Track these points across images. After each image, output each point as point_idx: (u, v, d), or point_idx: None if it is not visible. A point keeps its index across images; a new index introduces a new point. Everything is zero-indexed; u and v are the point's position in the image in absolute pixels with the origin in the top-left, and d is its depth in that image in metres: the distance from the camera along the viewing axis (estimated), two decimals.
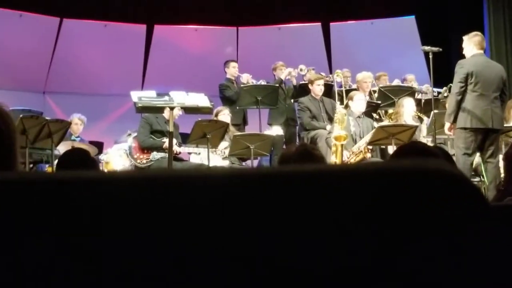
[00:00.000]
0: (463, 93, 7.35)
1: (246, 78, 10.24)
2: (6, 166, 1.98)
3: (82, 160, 3.14)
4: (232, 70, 10.36)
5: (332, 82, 9.67)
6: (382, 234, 0.71)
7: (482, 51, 7.52)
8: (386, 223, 0.70)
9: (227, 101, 9.77)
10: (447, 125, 7.51)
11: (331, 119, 9.02)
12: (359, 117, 8.74)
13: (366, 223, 0.71)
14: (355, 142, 8.54)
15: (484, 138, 7.36)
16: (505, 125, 8.05)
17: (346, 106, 8.82)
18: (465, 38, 7.59)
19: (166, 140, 7.89)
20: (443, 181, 0.69)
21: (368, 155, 8.36)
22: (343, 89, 9.44)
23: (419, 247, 0.71)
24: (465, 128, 7.31)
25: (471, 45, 7.49)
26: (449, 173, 0.69)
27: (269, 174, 0.74)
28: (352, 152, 8.38)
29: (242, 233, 0.73)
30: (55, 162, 7.66)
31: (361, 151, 8.35)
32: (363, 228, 0.71)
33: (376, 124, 8.70)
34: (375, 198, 0.70)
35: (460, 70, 7.40)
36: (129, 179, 0.74)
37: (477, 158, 7.80)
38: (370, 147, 8.46)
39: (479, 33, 7.60)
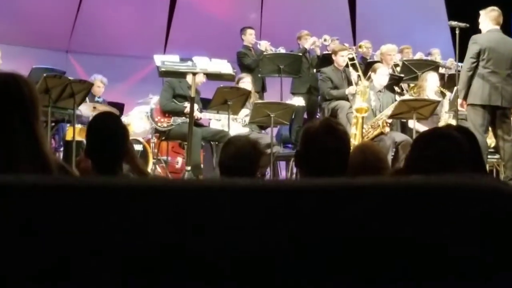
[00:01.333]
0: (474, 69, 7.26)
1: (265, 46, 10.15)
2: (30, 128, 2.06)
3: (113, 126, 3.17)
4: (249, 37, 10.27)
5: (356, 54, 9.58)
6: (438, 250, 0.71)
7: (498, 27, 7.38)
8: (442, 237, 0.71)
9: (246, 68, 9.71)
10: (459, 101, 7.46)
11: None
12: (380, 91, 8.67)
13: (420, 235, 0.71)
14: (375, 116, 8.49)
15: (494, 115, 7.28)
16: None
17: (368, 78, 8.76)
18: (481, 12, 7.45)
19: (187, 105, 7.89)
20: (496, 198, 0.69)
21: (387, 129, 8.28)
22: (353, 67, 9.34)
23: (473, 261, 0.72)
24: (474, 105, 7.24)
25: (487, 20, 7.36)
26: (502, 191, 0.69)
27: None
28: (370, 126, 8.31)
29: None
30: (77, 121, 7.74)
31: (379, 125, 8.27)
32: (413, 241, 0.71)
33: (398, 98, 8.64)
34: (428, 214, 0.70)
35: (473, 45, 7.27)
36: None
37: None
38: (390, 120, 8.36)
39: (496, 8, 7.42)
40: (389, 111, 8.22)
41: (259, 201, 0.76)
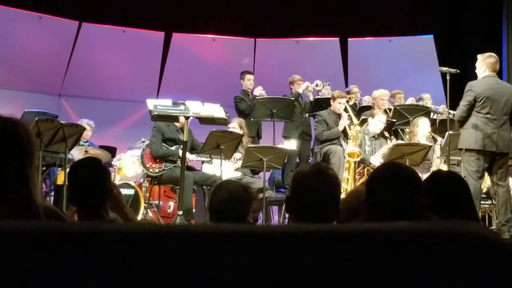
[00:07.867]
0: (468, 113, 7.28)
1: (259, 91, 10.13)
2: (24, 176, 2.04)
3: (91, 170, 3.19)
4: (247, 82, 10.21)
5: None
6: None
7: (494, 73, 7.39)
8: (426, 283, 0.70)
9: (241, 113, 9.71)
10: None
11: (346, 134, 8.98)
12: (374, 137, 8.69)
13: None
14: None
15: (492, 161, 7.27)
16: None
17: (362, 123, 8.78)
18: (479, 57, 7.46)
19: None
20: (481, 245, 0.68)
21: None
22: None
23: None
24: (470, 150, 7.23)
25: (484, 66, 7.38)
26: (489, 238, 0.69)
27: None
28: (358, 173, 8.28)
29: None
30: (68, 165, 7.71)
31: (364, 174, 8.22)
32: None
33: (389, 143, 8.66)
34: (411, 259, 0.69)
35: (469, 92, 7.28)
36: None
37: (489, 181, 7.73)
38: (376, 165, 8.31)
39: (493, 54, 7.44)
40: (379, 156, 8.23)
41: (246, 247, 0.75)
